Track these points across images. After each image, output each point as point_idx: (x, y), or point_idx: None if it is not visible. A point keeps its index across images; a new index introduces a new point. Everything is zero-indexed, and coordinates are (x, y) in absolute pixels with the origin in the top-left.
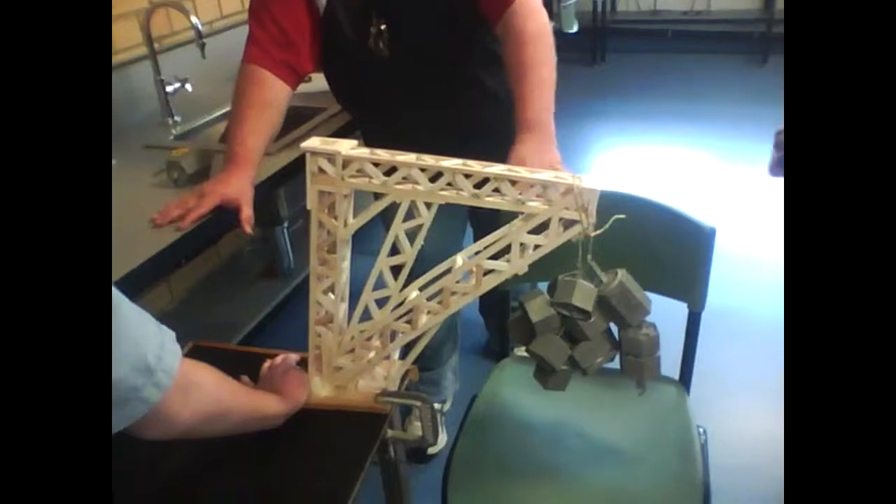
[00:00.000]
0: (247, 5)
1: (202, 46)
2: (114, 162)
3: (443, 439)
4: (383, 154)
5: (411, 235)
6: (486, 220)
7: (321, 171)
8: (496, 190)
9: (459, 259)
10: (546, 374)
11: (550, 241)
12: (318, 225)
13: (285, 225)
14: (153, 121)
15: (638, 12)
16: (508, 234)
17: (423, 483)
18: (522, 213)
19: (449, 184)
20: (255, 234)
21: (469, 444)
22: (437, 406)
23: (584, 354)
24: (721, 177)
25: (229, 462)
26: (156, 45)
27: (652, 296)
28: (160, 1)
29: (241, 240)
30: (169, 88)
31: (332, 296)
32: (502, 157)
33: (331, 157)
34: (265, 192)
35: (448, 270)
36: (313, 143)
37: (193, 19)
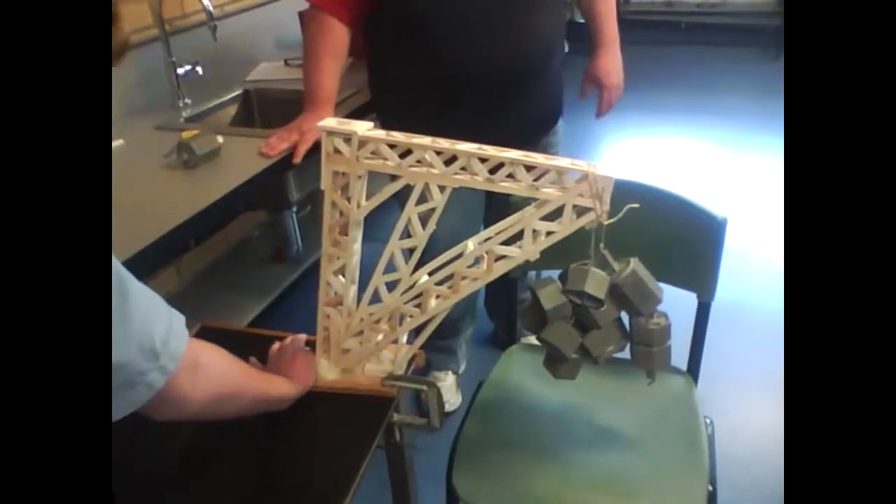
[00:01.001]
0: None
1: (213, 29)
2: (121, 142)
3: (458, 400)
4: (399, 136)
5: (424, 219)
6: (500, 210)
7: (336, 151)
8: (510, 175)
9: (471, 244)
10: (556, 363)
11: (563, 228)
12: (331, 205)
13: (294, 210)
14: (164, 103)
15: (652, 3)
16: (521, 219)
17: (428, 467)
18: (536, 198)
19: (463, 168)
20: (262, 216)
21: (475, 430)
22: (451, 372)
23: (595, 343)
24: (733, 170)
25: (235, 444)
26: (167, 28)
27: (661, 285)
28: None
29: (249, 224)
30: (180, 71)
31: (342, 278)
32: (542, 110)
33: (347, 137)
34: (275, 176)
35: (459, 255)
36: (330, 123)
37: (205, 1)
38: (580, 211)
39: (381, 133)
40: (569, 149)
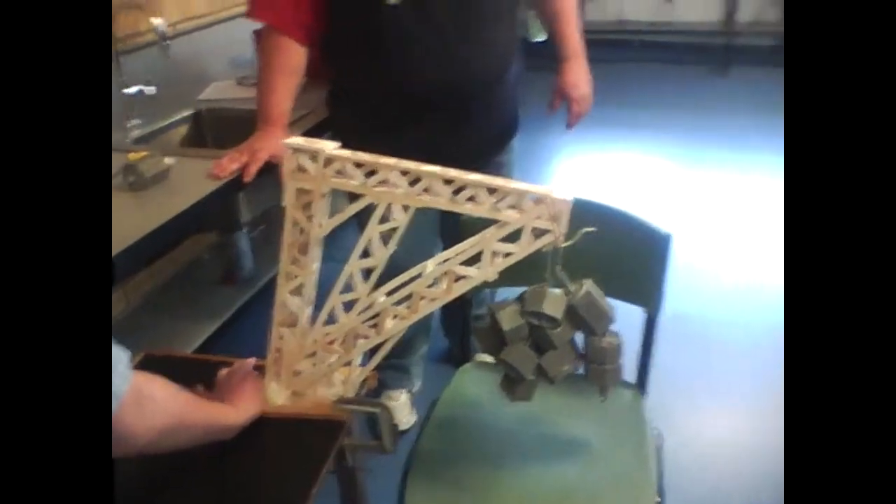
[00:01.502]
0: (212, 7)
1: (165, 48)
2: None
3: (413, 419)
4: (365, 156)
5: (385, 239)
6: (454, 236)
7: (301, 168)
8: (472, 198)
9: (430, 265)
10: (513, 384)
11: (521, 250)
12: (292, 223)
13: (245, 230)
14: (113, 123)
15: (604, 22)
16: (481, 241)
17: (383, 487)
18: (497, 220)
19: (426, 189)
20: (212, 237)
21: (428, 448)
22: (406, 391)
23: (551, 363)
24: (681, 185)
25: (183, 472)
26: (118, 46)
27: (610, 300)
28: (124, 2)
29: (199, 246)
30: (129, 90)
31: (298, 298)
32: (501, 122)
33: (313, 154)
34: (225, 198)
35: (418, 275)
36: (296, 140)
37: (155, 21)
38: (538, 233)
39: (347, 152)
40: (522, 165)
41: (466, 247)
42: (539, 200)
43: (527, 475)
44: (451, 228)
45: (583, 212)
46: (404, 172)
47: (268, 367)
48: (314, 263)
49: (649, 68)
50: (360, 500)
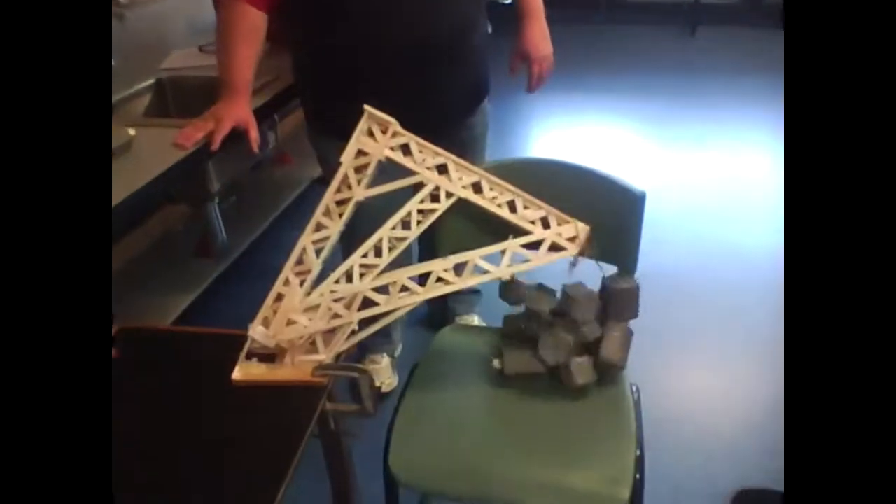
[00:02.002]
0: None
1: (122, 18)
2: None
3: (394, 381)
4: (428, 144)
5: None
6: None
7: (369, 132)
8: (509, 204)
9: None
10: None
11: (537, 259)
12: (341, 178)
13: (216, 201)
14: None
15: None
16: (508, 246)
17: (365, 453)
18: (525, 230)
19: (474, 186)
20: (185, 210)
21: (410, 411)
22: (387, 355)
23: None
24: (651, 145)
25: (166, 440)
26: None
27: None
28: None
29: (171, 218)
30: None
31: (317, 251)
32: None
33: (385, 124)
34: (192, 167)
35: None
36: (372, 109)
37: None
38: (555, 248)
39: (413, 136)
40: (495, 130)
41: (494, 249)
42: (563, 221)
43: (508, 435)
44: (431, 237)
45: (559, 173)
46: (458, 168)
47: (262, 309)
48: (342, 222)
49: (618, 30)
50: (345, 463)
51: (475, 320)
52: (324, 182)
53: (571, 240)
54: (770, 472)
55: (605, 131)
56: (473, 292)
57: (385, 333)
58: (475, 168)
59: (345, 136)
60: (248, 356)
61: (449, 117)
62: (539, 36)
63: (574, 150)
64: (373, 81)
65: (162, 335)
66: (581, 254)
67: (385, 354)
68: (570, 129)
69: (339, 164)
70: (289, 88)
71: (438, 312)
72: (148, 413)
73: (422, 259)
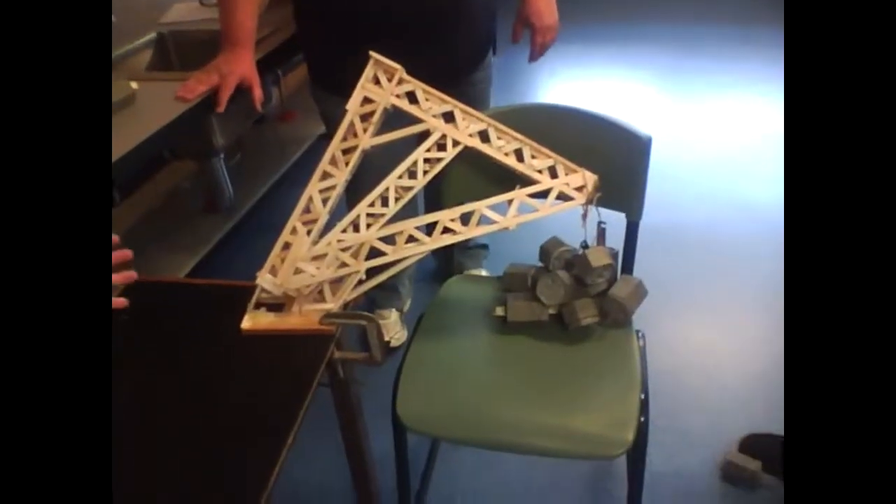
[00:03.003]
0: None
1: None
2: None
3: (404, 335)
4: (435, 91)
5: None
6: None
7: (375, 80)
8: (516, 153)
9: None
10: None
11: (544, 210)
12: (347, 126)
13: (222, 157)
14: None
15: None
16: (515, 196)
17: (375, 402)
18: (532, 179)
19: (480, 134)
20: (192, 166)
21: (417, 359)
22: (396, 309)
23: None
24: (660, 96)
25: (172, 387)
26: None
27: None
28: None
29: (178, 175)
30: None
31: (323, 199)
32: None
33: (391, 71)
34: (196, 121)
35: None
36: (379, 56)
37: None
38: (563, 198)
39: (419, 83)
40: (503, 82)
41: (500, 199)
42: (570, 170)
43: (512, 378)
44: (437, 187)
45: (566, 118)
46: (465, 116)
47: (270, 258)
48: (349, 171)
49: None
50: (354, 411)
51: (483, 274)
52: (328, 138)
53: (579, 189)
54: (777, 419)
55: (613, 83)
56: (481, 246)
57: (393, 288)
58: (482, 116)
59: (345, 93)
60: (257, 305)
61: (451, 73)
62: (544, 3)
63: (581, 100)
64: (373, 33)
65: (172, 287)
66: (589, 203)
67: (394, 309)
68: (578, 81)
69: (344, 114)
70: (290, 41)
71: (446, 266)
72: (158, 362)
73: (427, 211)
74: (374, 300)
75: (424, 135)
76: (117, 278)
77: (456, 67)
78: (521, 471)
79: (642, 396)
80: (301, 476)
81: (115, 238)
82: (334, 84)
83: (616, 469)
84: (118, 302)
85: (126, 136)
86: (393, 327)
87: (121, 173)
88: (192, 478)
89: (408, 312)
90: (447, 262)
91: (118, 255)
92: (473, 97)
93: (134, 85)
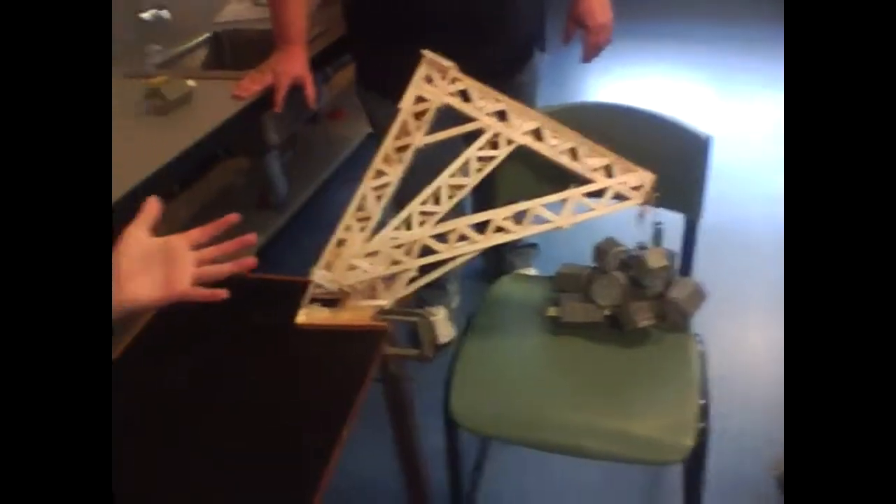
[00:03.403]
0: None
1: None
2: None
3: (452, 333)
4: (489, 89)
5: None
6: (483, 194)
7: (428, 79)
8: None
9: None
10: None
11: (600, 209)
12: (400, 125)
13: (275, 153)
14: (131, 50)
15: None
16: (570, 195)
17: (421, 399)
18: (589, 178)
19: (534, 133)
20: (244, 163)
21: (470, 358)
22: (444, 307)
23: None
24: (715, 95)
25: (227, 380)
26: None
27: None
28: None
29: (231, 171)
30: (144, 15)
31: (377, 197)
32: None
33: (444, 70)
34: (251, 119)
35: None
36: (431, 54)
37: None
38: (619, 198)
39: (473, 83)
40: (553, 80)
41: (555, 198)
42: (627, 170)
43: (566, 379)
44: (485, 186)
45: (624, 117)
46: (520, 113)
47: (324, 254)
48: (402, 170)
49: None
50: (406, 407)
51: (532, 273)
52: (375, 138)
53: (636, 189)
54: None
55: (666, 81)
56: (530, 245)
57: (441, 286)
58: (536, 114)
59: (390, 95)
60: (311, 301)
61: (497, 73)
62: (597, 2)
63: (634, 99)
64: (419, 33)
65: (227, 281)
66: (646, 203)
67: (442, 307)
68: (630, 79)
69: (392, 114)
70: (340, 40)
71: (494, 265)
72: (214, 354)
73: (475, 210)
74: (423, 298)
75: (472, 134)
76: (232, 266)
77: (501, 68)
78: (570, 471)
79: (702, 402)
80: (351, 470)
81: (234, 217)
82: (380, 85)
83: (667, 474)
84: (217, 293)
85: (184, 134)
86: (441, 324)
87: (178, 170)
88: (245, 471)
89: (455, 310)
90: (498, 260)
91: (239, 242)
92: (520, 98)
93: (191, 83)
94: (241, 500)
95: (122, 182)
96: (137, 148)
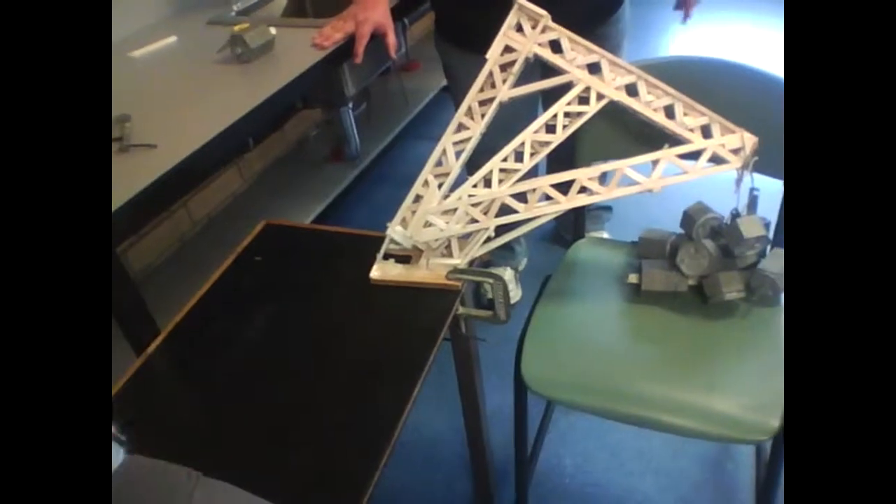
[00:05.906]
0: None
1: None
2: (174, 39)
3: (519, 294)
4: (582, 40)
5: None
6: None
7: (518, 28)
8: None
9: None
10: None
11: (694, 172)
12: (486, 76)
13: (350, 106)
14: None
15: None
16: (663, 156)
17: (492, 358)
18: (685, 138)
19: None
20: (318, 115)
21: (543, 321)
22: (510, 268)
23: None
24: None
25: (305, 332)
26: None
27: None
28: None
29: (306, 123)
30: None
31: (458, 151)
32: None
33: (535, 18)
34: (330, 68)
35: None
36: (523, 1)
37: None
38: (714, 160)
39: (566, 31)
40: (636, 34)
41: (646, 158)
42: (727, 131)
43: (645, 348)
44: (566, 150)
45: (716, 71)
46: (614, 66)
47: (401, 210)
48: (485, 124)
49: None
50: (473, 366)
51: (605, 237)
52: (450, 91)
53: (735, 151)
54: None
55: (760, 31)
56: (605, 208)
57: (509, 247)
58: (632, 67)
59: (470, 47)
60: (385, 256)
61: (582, 26)
62: None
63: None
64: None
65: (301, 232)
66: (745, 167)
67: (509, 268)
68: (720, 33)
69: (471, 67)
70: None
71: (574, 228)
72: (289, 304)
73: (550, 171)
74: (490, 259)
75: (551, 92)
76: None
77: (583, 21)
78: (634, 441)
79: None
80: (414, 424)
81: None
82: (460, 37)
83: (737, 452)
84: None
85: (265, 83)
86: (508, 285)
87: (257, 120)
88: (318, 422)
89: (523, 271)
90: (575, 222)
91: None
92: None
93: (273, 30)
94: (318, 449)
95: (207, 129)
96: (220, 96)
